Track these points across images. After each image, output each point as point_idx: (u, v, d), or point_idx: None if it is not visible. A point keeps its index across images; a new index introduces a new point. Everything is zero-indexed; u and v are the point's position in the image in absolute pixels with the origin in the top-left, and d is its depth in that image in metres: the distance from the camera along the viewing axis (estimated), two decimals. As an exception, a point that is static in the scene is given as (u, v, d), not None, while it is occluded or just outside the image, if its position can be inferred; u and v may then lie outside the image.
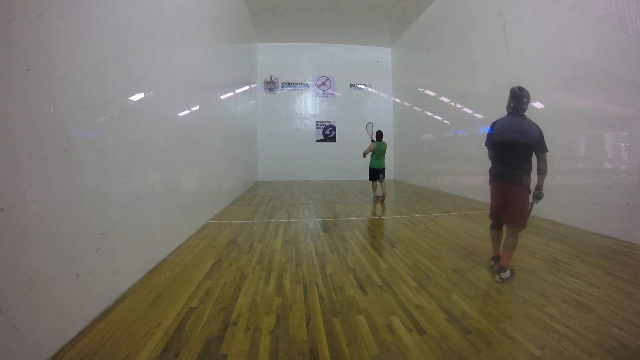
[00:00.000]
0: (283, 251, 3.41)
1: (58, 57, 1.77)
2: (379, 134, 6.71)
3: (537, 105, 5.29)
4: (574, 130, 4.63)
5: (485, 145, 2.87)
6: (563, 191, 4.75)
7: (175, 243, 3.49)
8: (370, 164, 6.84)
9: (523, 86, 2.76)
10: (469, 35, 7.12)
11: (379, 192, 6.85)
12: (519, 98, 2.67)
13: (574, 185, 4.57)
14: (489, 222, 2.96)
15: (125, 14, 2.52)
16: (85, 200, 2.00)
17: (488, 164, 2.91)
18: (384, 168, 6.85)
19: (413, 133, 10.56)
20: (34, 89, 1.60)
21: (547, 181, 2.68)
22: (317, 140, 12.18)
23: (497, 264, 2.76)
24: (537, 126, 2.62)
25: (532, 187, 2.63)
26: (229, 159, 6.81)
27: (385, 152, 6.72)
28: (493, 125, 2.80)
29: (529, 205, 2.62)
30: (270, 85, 11.96)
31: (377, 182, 6.84)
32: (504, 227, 2.77)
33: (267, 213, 5.55)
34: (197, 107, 4.44)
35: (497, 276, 2.60)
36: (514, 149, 2.62)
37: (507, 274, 2.61)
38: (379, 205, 6.28)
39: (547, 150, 2.55)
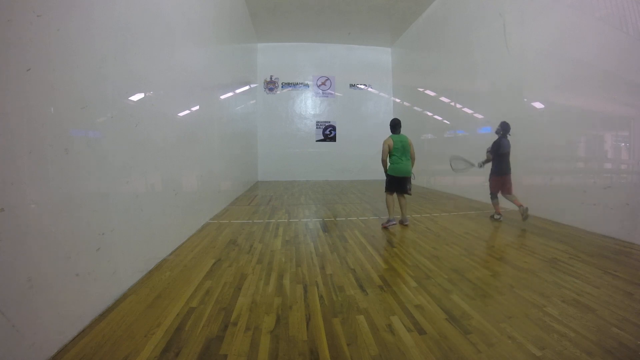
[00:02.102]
0: (283, 251, 3.41)
1: (58, 57, 1.77)
2: (395, 124, 4.57)
3: (537, 105, 5.30)
4: (574, 130, 4.63)
5: (492, 153, 4.88)
6: (563, 191, 4.75)
7: (175, 243, 3.49)
8: (389, 169, 4.52)
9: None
10: (469, 35, 7.12)
11: (397, 214, 4.63)
12: (506, 127, 4.85)
13: (574, 185, 4.57)
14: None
15: (125, 14, 2.52)
16: (85, 200, 2.00)
17: (487, 165, 5.03)
18: (411, 176, 4.55)
19: (413, 133, 10.48)
20: (34, 89, 1.60)
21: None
22: (317, 140, 12.18)
23: (500, 215, 4.93)
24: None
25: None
26: (229, 159, 6.81)
27: (409, 149, 4.50)
28: (496, 144, 4.84)
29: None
30: (270, 85, 11.96)
31: (396, 196, 4.62)
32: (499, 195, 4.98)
33: (267, 213, 5.55)
34: (197, 107, 4.44)
35: (525, 214, 4.54)
36: (507, 156, 4.83)
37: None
38: (379, 204, 6.22)
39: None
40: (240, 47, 8.29)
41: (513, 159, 4.95)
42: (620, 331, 1.85)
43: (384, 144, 4.45)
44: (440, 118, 8.75)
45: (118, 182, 2.38)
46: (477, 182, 6.69)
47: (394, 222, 4.43)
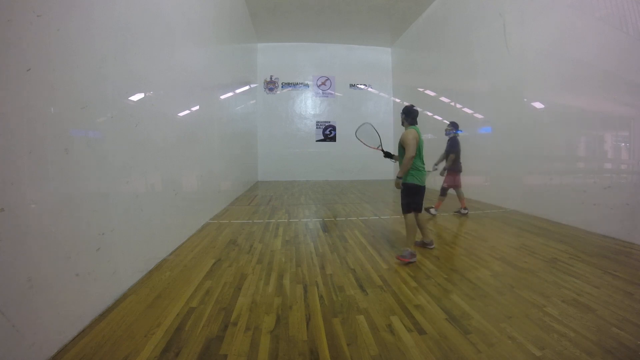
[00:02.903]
0: (283, 251, 3.41)
1: (58, 57, 1.77)
2: (410, 110, 3.34)
3: (537, 105, 5.30)
4: (574, 130, 4.63)
5: (454, 153, 5.30)
6: (563, 191, 4.75)
7: (175, 243, 3.49)
8: (412, 176, 3.19)
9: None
10: (469, 35, 7.12)
11: (417, 235, 3.53)
12: (457, 127, 5.39)
13: (574, 185, 4.57)
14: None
15: (125, 14, 2.52)
16: (85, 200, 2.00)
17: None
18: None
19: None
20: (34, 89, 1.60)
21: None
22: (317, 140, 12.18)
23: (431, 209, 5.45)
24: None
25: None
26: (229, 159, 6.81)
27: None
28: (455, 142, 5.32)
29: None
30: (270, 85, 11.96)
31: (418, 213, 3.35)
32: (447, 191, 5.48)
33: (267, 213, 5.55)
34: (197, 107, 4.44)
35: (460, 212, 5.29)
36: (460, 154, 5.35)
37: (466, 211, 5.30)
38: (379, 204, 6.22)
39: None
40: (240, 47, 8.29)
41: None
42: (620, 331, 1.85)
43: (410, 138, 3.09)
44: (440, 118, 8.74)
45: (118, 182, 2.38)
46: (478, 182, 6.69)
47: (426, 245, 3.42)
